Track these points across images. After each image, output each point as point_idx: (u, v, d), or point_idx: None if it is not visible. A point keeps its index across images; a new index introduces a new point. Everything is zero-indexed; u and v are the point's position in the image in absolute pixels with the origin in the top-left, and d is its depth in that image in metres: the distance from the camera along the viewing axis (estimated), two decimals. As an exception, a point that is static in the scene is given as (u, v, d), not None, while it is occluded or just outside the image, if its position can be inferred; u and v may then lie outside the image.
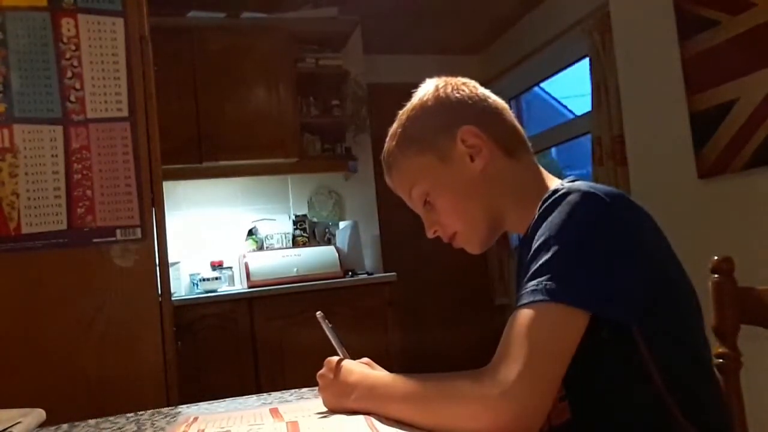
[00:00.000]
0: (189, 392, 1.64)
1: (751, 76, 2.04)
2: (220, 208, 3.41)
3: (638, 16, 2.53)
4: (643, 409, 0.75)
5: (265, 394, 1.02)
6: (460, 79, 0.96)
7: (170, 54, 2.92)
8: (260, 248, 3.31)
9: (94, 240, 1.60)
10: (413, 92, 0.97)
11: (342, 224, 3.43)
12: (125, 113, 1.65)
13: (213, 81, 3.15)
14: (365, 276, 3.16)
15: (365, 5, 3.46)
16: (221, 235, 3.36)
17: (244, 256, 3.15)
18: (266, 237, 3.37)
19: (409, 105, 0.96)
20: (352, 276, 3.14)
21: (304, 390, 1.00)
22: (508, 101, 0.97)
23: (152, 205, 1.66)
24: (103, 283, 1.59)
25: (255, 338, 2.80)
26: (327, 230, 3.49)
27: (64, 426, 0.90)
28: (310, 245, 3.34)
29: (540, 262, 0.71)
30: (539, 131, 4.04)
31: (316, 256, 3.18)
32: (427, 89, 0.95)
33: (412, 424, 0.71)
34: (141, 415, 0.94)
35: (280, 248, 3.31)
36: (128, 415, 0.95)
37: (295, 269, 3.07)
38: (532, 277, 0.71)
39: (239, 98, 3.19)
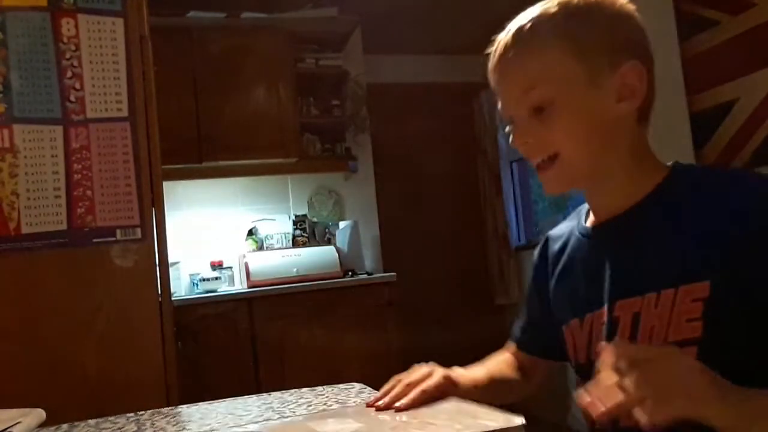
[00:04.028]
0: (189, 392, 1.64)
1: (751, 76, 2.04)
2: (220, 208, 3.41)
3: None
4: None
5: (265, 394, 1.02)
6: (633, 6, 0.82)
7: (170, 54, 2.91)
8: (260, 248, 3.31)
9: (94, 240, 1.60)
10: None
11: (342, 224, 3.43)
12: (125, 113, 1.64)
13: (213, 81, 3.15)
14: (365, 276, 3.15)
15: (365, 5, 3.46)
16: (221, 235, 3.36)
17: (244, 256, 3.15)
18: (266, 237, 3.37)
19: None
20: (352, 276, 3.14)
21: (304, 390, 1.00)
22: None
23: (152, 205, 1.66)
24: (103, 283, 1.59)
25: (255, 338, 2.79)
26: (327, 230, 3.49)
27: (64, 426, 0.90)
28: (310, 245, 3.34)
29: None
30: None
31: (316, 256, 3.18)
32: None
33: None
34: (141, 415, 0.94)
35: (280, 248, 3.31)
36: (128, 415, 0.95)
37: (295, 269, 3.07)
38: None
39: (239, 98, 3.19)
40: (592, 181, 0.83)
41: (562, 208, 4.27)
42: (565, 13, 0.78)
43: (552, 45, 0.77)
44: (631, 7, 0.81)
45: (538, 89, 0.78)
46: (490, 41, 0.85)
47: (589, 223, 0.87)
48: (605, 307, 0.80)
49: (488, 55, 0.87)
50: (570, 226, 0.92)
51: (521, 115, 0.81)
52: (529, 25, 0.79)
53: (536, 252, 0.99)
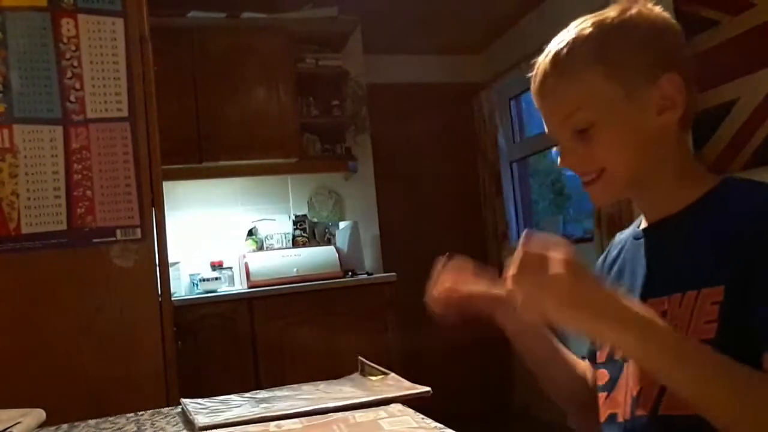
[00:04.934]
0: (189, 392, 1.64)
1: (751, 76, 2.04)
2: (220, 208, 3.41)
3: (638, 16, 2.53)
4: None
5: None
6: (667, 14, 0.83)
7: (170, 54, 2.91)
8: (260, 248, 3.31)
9: (94, 240, 1.60)
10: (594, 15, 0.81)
11: (342, 224, 3.43)
12: (125, 113, 1.65)
13: (213, 81, 3.15)
14: (365, 276, 3.16)
15: (365, 5, 3.46)
16: (221, 235, 3.36)
17: (244, 257, 3.15)
18: (266, 237, 3.37)
19: (614, 16, 0.81)
20: (352, 276, 3.14)
21: (304, 390, 1.00)
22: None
23: (152, 205, 1.67)
24: (103, 283, 1.59)
25: (255, 338, 2.80)
26: (327, 230, 3.49)
27: (64, 426, 0.90)
28: (310, 245, 3.34)
29: None
30: (539, 131, 4.04)
31: (316, 257, 3.18)
32: (641, 10, 0.81)
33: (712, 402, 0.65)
34: (141, 415, 0.94)
35: (280, 248, 3.31)
36: (128, 415, 0.95)
37: (295, 269, 3.07)
38: None
39: (239, 98, 3.19)
40: (638, 190, 0.86)
41: (562, 209, 4.27)
42: (600, 34, 0.80)
43: (588, 70, 0.79)
44: (666, 16, 0.83)
45: (578, 114, 0.80)
46: (530, 64, 0.88)
47: (642, 226, 0.91)
48: None
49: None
50: (630, 231, 0.95)
51: (565, 137, 0.84)
52: (565, 50, 0.81)
53: (598, 262, 1.01)
